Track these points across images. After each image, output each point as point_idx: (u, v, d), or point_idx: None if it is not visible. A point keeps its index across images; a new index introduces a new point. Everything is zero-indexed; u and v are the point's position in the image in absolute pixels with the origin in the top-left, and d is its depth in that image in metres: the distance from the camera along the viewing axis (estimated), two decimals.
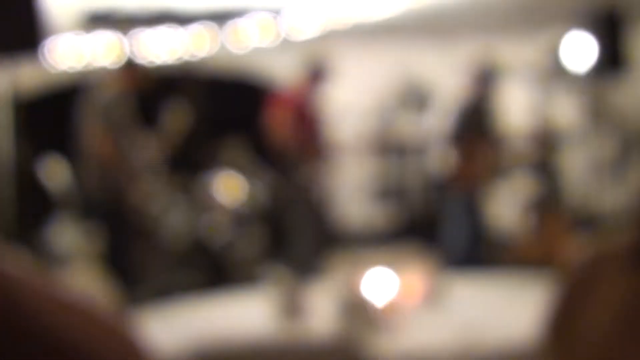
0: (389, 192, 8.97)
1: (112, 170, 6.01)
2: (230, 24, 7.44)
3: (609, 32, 6.48)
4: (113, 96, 6.09)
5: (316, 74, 6.96)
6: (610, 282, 0.98)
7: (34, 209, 6.90)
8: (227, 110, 8.66)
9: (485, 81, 7.13)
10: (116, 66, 6.35)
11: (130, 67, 6.26)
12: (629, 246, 1.00)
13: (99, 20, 7.14)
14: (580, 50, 6.70)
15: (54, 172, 6.86)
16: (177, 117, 6.59)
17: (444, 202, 7.59)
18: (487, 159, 7.05)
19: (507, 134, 7.77)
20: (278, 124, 6.85)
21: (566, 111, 8.31)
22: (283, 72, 7.61)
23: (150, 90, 6.31)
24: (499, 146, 7.32)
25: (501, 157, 7.46)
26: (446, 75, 7.70)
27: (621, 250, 1.00)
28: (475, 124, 7.07)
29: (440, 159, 7.25)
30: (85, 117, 6.08)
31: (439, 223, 7.44)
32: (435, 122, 7.80)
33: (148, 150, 6.33)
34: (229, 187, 7.52)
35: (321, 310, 3.22)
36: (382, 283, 3.30)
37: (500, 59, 7.81)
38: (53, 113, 8.09)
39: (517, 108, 8.70)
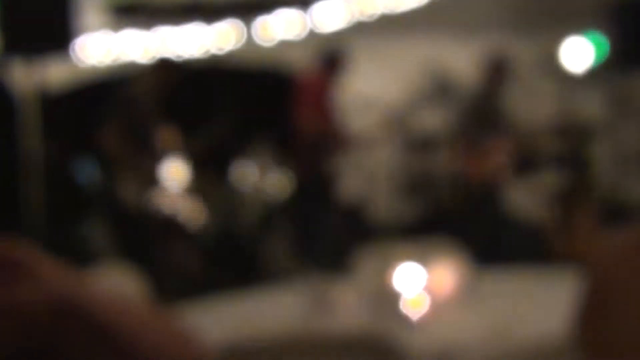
0: (416, 185, 8.95)
1: (131, 168, 6.00)
2: (258, 17, 7.44)
3: (634, 24, 6.43)
4: (140, 93, 6.07)
5: (332, 64, 6.95)
6: (639, 272, 0.97)
7: (65, 207, 6.93)
8: (254, 103, 8.66)
9: (498, 73, 7.11)
10: (148, 62, 6.35)
11: (164, 64, 6.25)
12: None
13: (126, 13, 7.16)
14: (605, 42, 6.67)
15: (86, 170, 6.89)
16: (219, 123, 6.55)
17: (467, 196, 7.58)
18: (502, 151, 7.03)
19: (532, 127, 7.74)
20: (300, 113, 6.85)
21: (592, 104, 8.26)
22: (308, 63, 7.61)
23: (180, 88, 6.30)
24: (519, 139, 7.30)
25: (524, 151, 7.43)
26: (471, 69, 7.67)
27: None
28: (485, 115, 7.05)
29: (455, 152, 7.25)
30: (107, 115, 6.07)
31: (466, 217, 7.44)
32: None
33: (180, 148, 6.30)
34: (257, 181, 7.53)
35: (351, 305, 3.22)
36: (411, 277, 3.30)
37: (520, 52, 7.78)
38: (84, 110, 8.13)
39: (542, 102, 8.67)
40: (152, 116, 6.20)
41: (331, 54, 7.01)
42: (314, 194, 6.88)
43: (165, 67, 6.25)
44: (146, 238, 6.09)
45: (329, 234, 6.80)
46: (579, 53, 8.09)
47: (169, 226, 6.50)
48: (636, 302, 0.94)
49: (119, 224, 6.13)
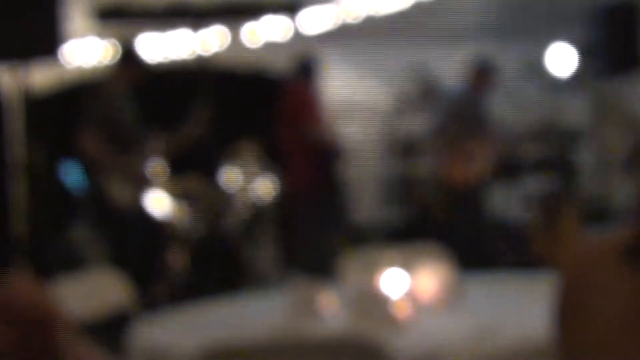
0: (400, 190, 8.98)
1: (107, 172, 5.96)
2: (243, 19, 7.45)
3: (621, 30, 6.48)
4: (108, 94, 6.01)
5: (306, 70, 6.95)
6: (610, 275, 0.99)
7: (51, 211, 6.91)
8: (240, 106, 8.66)
9: (483, 78, 7.15)
10: (114, 62, 6.30)
11: (126, 62, 6.17)
12: (630, 241, 1.01)
13: (111, 18, 7.15)
14: (591, 48, 6.72)
15: (72, 173, 6.86)
16: (200, 116, 6.49)
17: (451, 200, 7.62)
18: (485, 156, 7.06)
19: (516, 132, 7.78)
20: (300, 122, 6.83)
21: (576, 110, 8.31)
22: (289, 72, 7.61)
23: (146, 86, 6.25)
24: (503, 144, 7.33)
25: (508, 155, 7.47)
26: (456, 74, 7.71)
27: (621, 244, 1.01)
28: (469, 120, 7.10)
29: (439, 157, 7.29)
30: (84, 117, 6.03)
31: (449, 221, 7.48)
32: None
33: (158, 150, 6.27)
34: (244, 186, 7.54)
35: (336, 309, 3.25)
36: (396, 282, 3.32)
37: (504, 58, 7.82)
38: (70, 112, 8.11)
39: (526, 107, 8.70)
40: (129, 116, 6.15)
41: (303, 62, 7.01)
42: (321, 200, 6.84)
43: (127, 65, 6.17)
44: (136, 242, 6.06)
45: (317, 238, 6.80)
46: (563, 59, 8.14)
47: (158, 230, 6.49)
48: (606, 304, 0.97)
49: (108, 228, 6.10)
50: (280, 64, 7.81)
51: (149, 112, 6.35)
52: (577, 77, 7.97)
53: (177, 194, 7.20)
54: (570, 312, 1.04)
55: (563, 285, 1.07)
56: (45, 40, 4.90)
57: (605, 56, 6.48)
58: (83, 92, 6.36)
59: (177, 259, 6.90)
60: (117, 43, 6.32)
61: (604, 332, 0.99)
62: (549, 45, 8.51)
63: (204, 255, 6.74)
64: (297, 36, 7.70)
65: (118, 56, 6.23)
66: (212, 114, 6.56)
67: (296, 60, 7.01)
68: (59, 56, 5.05)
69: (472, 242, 7.07)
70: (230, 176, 7.57)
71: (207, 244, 6.88)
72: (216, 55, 7.75)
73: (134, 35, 6.96)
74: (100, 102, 5.99)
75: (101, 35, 7.30)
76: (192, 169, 7.23)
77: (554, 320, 1.07)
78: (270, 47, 7.81)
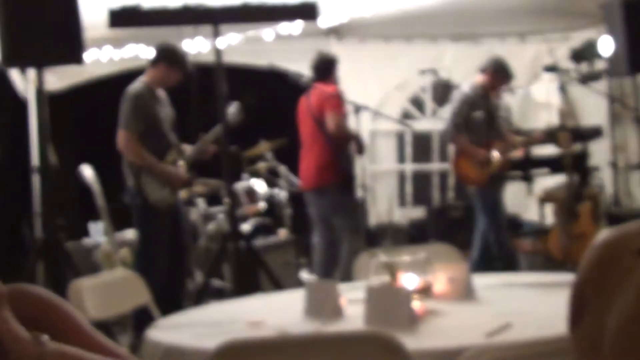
0: (416, 190, 8.99)
1: (142, 171, 5.94)
2: (260, 23, 7.45)
3: (636, 26, 6.46)
4: (144, 91, 5.97)
5: (325, 70, 6.94)
6: (627, 272, 1.00)
7: (72, 214, 6.94)
8: (257, 105, 8.66)
9: (499, 76, 7.14)
10: (150, 60, 6.25)
11: (171, 64, 6.12)
12: None
13: (124, 17, 7.16)
14: (607, 47, 6.71)
15: (93, 176, 6.87)
16: (234, 116, 6.41)
17: (465, 200, 7.63)
18: (500, 155, 7.05)
19: (533, 131, 7.77)
20: (326, 119, 6.81)
21: (594, 107, 8.30)
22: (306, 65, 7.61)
23: (181, 84, 6.23)
24: (518, 143, 7.32)
25: (523, 154, 7.45)
26: (470, 72, 7.71)
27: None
28: (483, 119, 7.09)
29: (453, 156, 7.29)
30: (120, 116, 6.00)
31: (463, 220, 7.48)
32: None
33: (187, 152, 6.25)
34: (261, 186, 7.58)
35: (354, 307, 3.27)
36: (413, 281, 3.35)
37: (519, 55, 7.81)
38: (90, 114, 8.13)
39: (543, 105, 8.68)
40: (167, 119, 6.15)
41: (322, 62, 7.00)
42: (339, 198, 6.83)
43: (174, 63, 6.13)
44: (169, 242, 6.06)
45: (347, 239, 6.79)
46: (579, 57, 8.13)
47: (186, 231, 6.51)
48: (622, 300, 0.98)
49: (143, 227, 6.08)
50: (294, 58, 7.78)
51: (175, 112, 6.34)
52: (593, 75, 7.95)
53: (200, 196, 7.24)
54: (585, 308, 1.05)
55: (578, 281, 1.08)
56: (67, 47, 4.95)
57: (623, 54, 6.46)
58: (107, 90, 6.36)
59: (200, 260, 6.94)
60: (158, 45, 6.27)
61: (618, 329, 1.00)
62: (565, 44, 8.50)
63: (224, 256, 6.76)
64: (311, 31, 7.71)
65: (160, 58, 6.16)
66: (241, 114, 6.45)
67: (315, 61, 6.99)
68: (80, 62, 5.09)
69: (488, 241, 7.08)
70: (248, 176, 7.61)
71: (227, 244, 6.91)
72: (231, 52, 7.75)
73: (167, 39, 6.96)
74: (143, 103, 5.95)
75: (116, 41, 7.34)
76: (212, 170, 7.24)
77: (569, 316, 1.08)
78: (284, 41, 7.81)
